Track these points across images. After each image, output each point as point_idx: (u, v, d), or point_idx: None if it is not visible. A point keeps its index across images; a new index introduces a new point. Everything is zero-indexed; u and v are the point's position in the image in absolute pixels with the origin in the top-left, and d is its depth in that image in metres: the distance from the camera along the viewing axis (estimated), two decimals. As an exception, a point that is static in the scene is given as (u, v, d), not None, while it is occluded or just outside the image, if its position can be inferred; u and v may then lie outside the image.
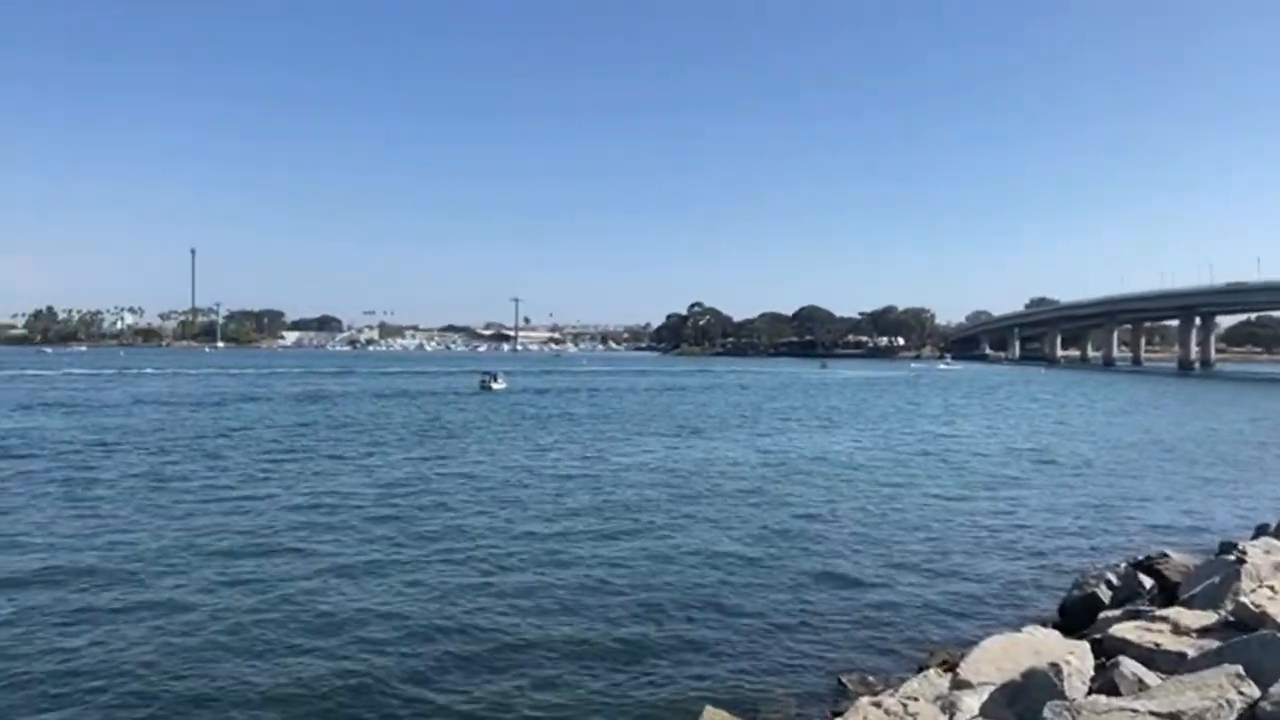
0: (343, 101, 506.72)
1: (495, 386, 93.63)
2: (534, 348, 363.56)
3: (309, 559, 19.34)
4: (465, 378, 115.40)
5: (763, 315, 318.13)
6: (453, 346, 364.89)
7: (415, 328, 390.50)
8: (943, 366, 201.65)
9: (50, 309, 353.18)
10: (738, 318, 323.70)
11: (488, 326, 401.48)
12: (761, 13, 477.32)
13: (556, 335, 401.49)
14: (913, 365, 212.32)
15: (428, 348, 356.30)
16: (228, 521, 23.20)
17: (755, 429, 53.14)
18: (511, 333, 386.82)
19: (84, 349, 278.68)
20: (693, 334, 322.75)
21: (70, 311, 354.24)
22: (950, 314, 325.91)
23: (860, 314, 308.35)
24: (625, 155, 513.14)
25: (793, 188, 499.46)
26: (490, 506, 25.97)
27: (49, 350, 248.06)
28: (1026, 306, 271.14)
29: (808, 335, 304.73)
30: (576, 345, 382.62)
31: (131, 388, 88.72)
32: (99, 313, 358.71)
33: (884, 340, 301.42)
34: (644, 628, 15.31)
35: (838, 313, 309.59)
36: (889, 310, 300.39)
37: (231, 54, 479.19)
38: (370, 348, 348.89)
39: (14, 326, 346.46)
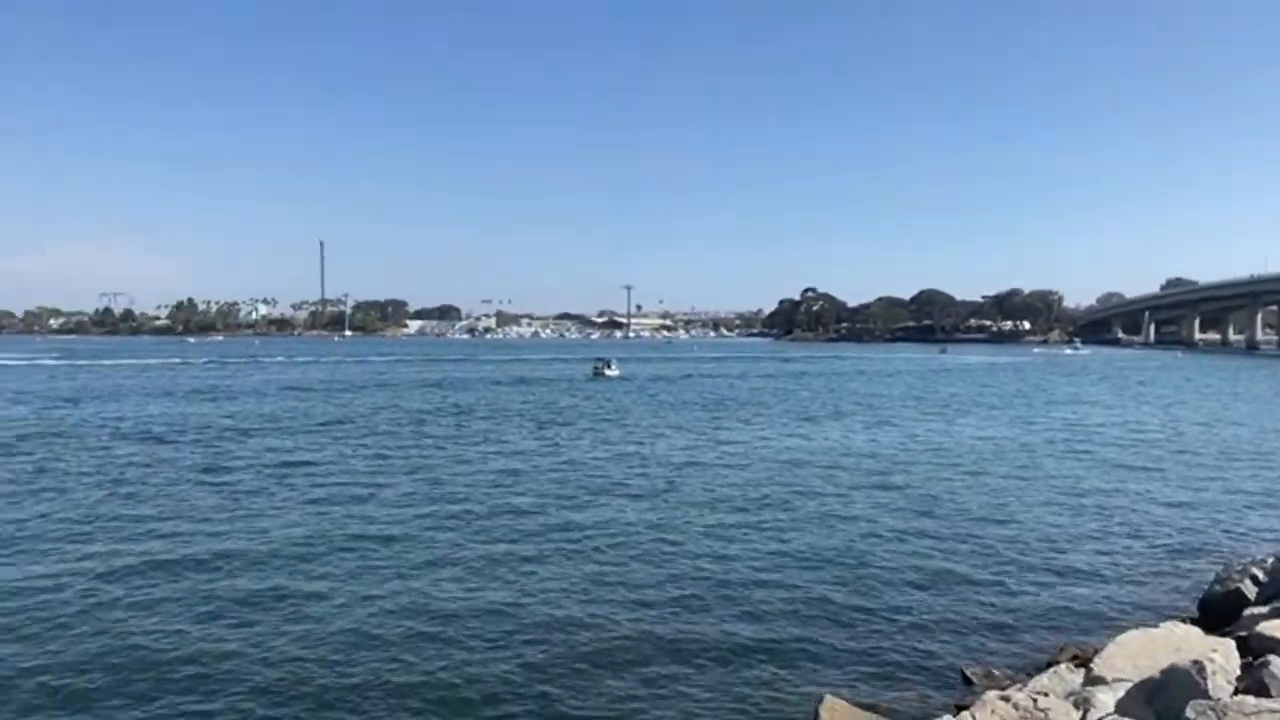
0: (459, 96, 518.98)
1: (609, 373, 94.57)
2: (645, 335, 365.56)
3: (428, 548, 19.78)
4: (579, 365, 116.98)
5: (879, 299, 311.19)
6: (566, 334, 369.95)
7: (530, 316, 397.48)
8: (1069, 351, 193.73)
9: (190, 301, 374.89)
10: (852, 303, 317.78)
11: (600, 314, 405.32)
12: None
13: (668, 322, 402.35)
14: (1035, 350, 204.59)
15: (543, 335, 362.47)
16: (353, 509, 24.06)
17: (871, 417, 52.19)
18: (624, 320, 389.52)
19: (221, 338, 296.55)
20: (806, 320, 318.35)
21: (209, 303, 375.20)
22: (1079, 296, 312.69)
23: (983, 297, 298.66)
24: (736, 142, 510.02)
25: (907, 167, 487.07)
26: (604, 497, 26.19)
27: (191, 340, 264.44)
28: (1162, 288, 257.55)
29: (926, 320, 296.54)
30: (688, 332, 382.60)
31: (266, 375, 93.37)
32: (235, 304, 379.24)
33: (1008, 324, 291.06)
34: (759, 621, 15.20)
35: (958, 296, 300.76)
36: (1014, 293, 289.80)
37: (349, 49, 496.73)
38: (488, 336, 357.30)
39: (158, 318, 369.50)
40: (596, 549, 19.81)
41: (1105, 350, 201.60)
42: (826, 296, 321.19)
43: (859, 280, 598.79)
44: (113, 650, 13.43)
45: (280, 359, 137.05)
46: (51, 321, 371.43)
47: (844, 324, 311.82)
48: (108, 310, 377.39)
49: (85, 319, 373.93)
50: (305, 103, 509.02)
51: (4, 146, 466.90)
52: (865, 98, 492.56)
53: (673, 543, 20.41)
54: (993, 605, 16.18)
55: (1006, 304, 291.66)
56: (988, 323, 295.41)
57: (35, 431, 41.10)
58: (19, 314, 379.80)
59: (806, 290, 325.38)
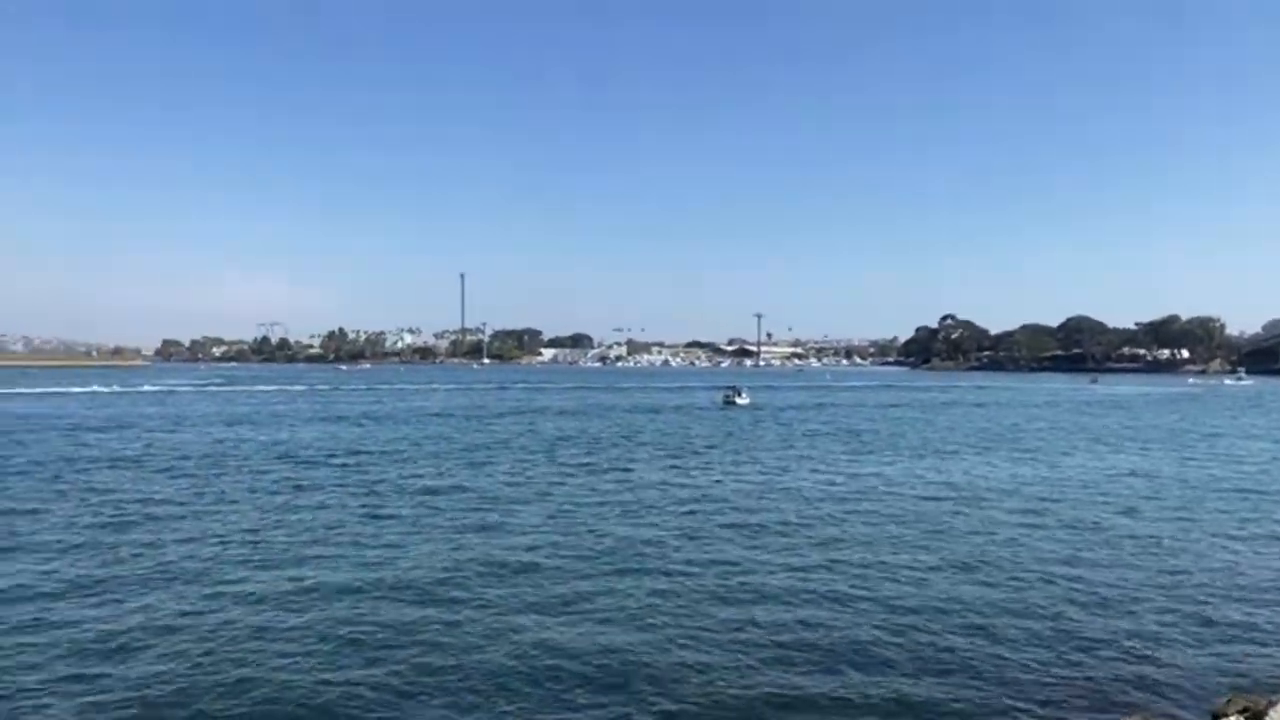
0: (591, 122, 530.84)
1: (739, 401, 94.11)
2: (776, 363, 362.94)
3: (560, 583, 19.56)
4: (709, 393, 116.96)
5: (1023, 327, 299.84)
6: (697, 362, 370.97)
7: (661, 344, 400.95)
8: (1230, 381, 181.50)
9: (341, 330, 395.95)
10: (994, 330, 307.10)
11: (730, 342, 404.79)
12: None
13: (799, 350, 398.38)
14: (1191, 380, 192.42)
15: (673, 363, 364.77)
16: (488, 538, 24.31)
17: (1015, 450, 50.07)
18: (754, 348, 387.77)
19: (369, 365, 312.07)
20: (944, 348, 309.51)
21: (358, 332, 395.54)
22: (1243, 324, 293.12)
23: (1136, 324, 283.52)
24: (870, 165, 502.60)
25: (1054, 183, 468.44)
26: (735, 531, 25.70)
27: (344, 368, 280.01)
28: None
29: (1075, 348, 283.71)
30: (819, 360, 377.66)
31: (410, 402, 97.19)
32: (382, 333, 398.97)
33: (1164, 353, 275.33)
34: (892, 671, 14.58)
35: (1110, 323, 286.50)
36: (1171, 320, 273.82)
37: (487, 93, 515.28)
38: (619, 364, 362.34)
39: (311, 346, 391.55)
40: (728, 589, 19.29)
41: (1273, 381, 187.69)
42: (966, 324, 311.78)
43: (1001, 307, 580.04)
44: (249, 675, 13.89)
45: (423, 386, 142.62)
46: (214, 350, 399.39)
47: (985, 352, 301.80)
48: (265, 339, 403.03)
49: (245, 347, 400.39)
50: (445, 144, 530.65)
51: (171, 190, 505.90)
52: (1006, 107, 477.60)
53: (805, 583, 19.82)
54: (1150, 652, 15.27)
55: (1162, 331, 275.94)
56: (1142, 351, 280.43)
57: (197, 454, 44.01)
58: (186, 343, 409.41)
59: (945, 317, 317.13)
